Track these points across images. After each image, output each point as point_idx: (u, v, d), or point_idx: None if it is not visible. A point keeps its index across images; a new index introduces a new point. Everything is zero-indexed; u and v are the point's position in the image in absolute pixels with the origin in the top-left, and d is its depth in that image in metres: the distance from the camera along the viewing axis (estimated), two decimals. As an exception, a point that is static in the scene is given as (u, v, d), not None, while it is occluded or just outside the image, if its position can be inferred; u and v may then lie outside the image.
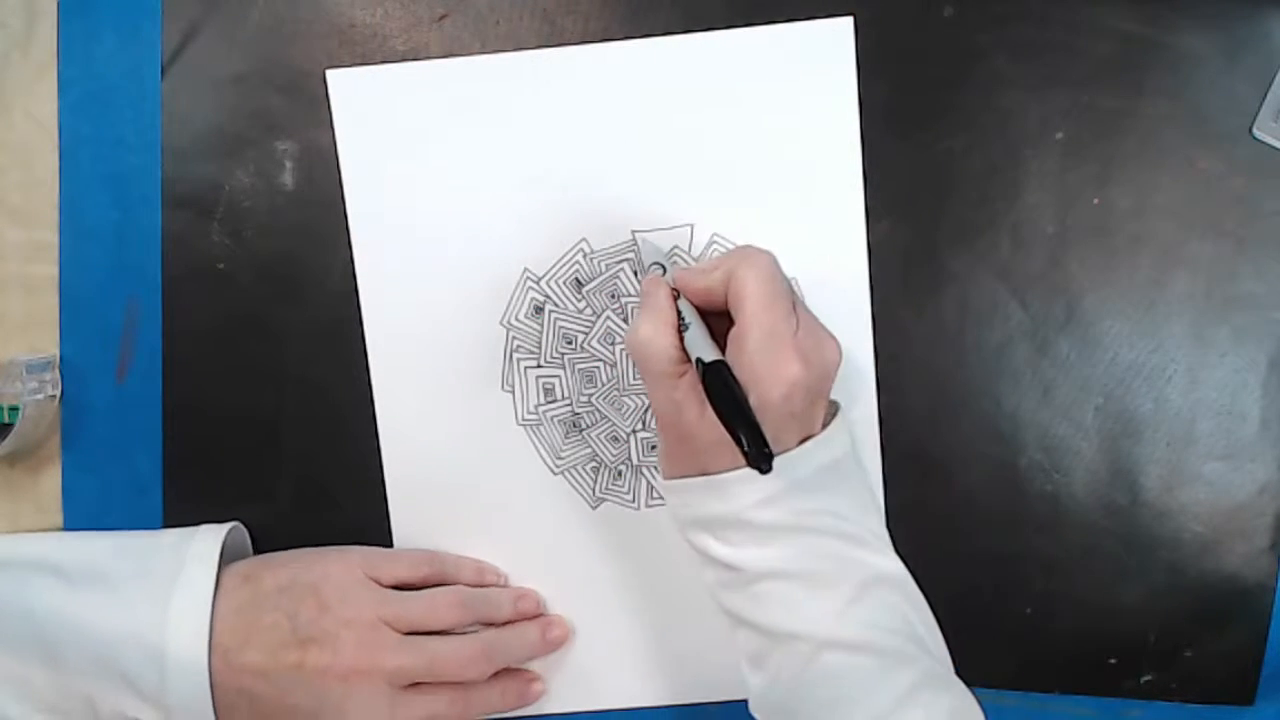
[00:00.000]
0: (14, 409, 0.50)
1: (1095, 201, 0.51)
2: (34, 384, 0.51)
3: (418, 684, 0.48)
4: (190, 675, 0.44)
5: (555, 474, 0.53)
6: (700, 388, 0.41)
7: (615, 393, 0.52)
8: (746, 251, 0.44)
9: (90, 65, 0.51)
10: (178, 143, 0.51)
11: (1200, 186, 0.51)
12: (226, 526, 0.49)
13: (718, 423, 0.40)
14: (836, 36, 0.50)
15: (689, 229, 0.51)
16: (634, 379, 0.52)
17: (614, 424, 0.52)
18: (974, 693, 0.43)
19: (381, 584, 0.49)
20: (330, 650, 0.46)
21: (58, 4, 0.51)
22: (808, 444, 0.43)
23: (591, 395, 0.52)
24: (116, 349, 0.52)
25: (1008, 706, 0.54)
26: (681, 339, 0.44)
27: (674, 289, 0.46)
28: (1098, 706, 0.54)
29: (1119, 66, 0.51)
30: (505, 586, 0.53)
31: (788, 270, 0.46)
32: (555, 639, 0.52)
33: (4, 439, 0.50)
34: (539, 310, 0.52)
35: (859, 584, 0.42)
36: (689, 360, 0.43)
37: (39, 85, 0.51)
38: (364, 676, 0.46)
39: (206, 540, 0.48)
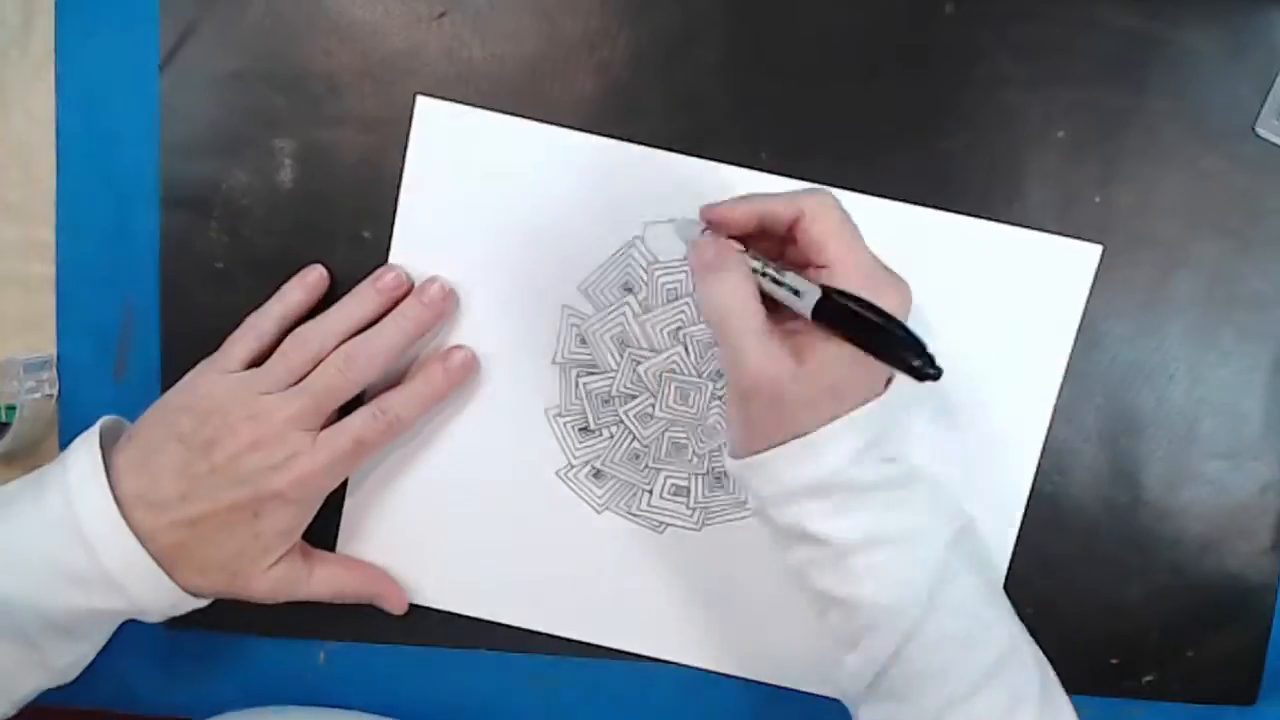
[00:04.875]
0: (11, 408, 0.50)
1: (1097, 200, 0.51)
2: (31, 383, 0.51)
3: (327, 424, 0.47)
4: (115, 537, 0.44)
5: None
6: (793, 339, 0.40)
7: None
8: (811, 189, 0.42)
9: (87, 63, 0.51)
10: (175, 140, 0.51)
11: (1203, 185, 0.51)
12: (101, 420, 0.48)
13: (813, 376, 0.39)
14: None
15: None
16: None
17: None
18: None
19: (235, 370, 0.48)
20: (231, 438, 0.45)
21: (54, 1, 0.51)
22: (892, 384, 0.42)
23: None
24: (114, 348, 0.52)
25: (1009, 707, 0.53)
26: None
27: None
28: (1099, 707, 0.53)
29: (1121, 64, 0.50)
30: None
31: None
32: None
33: (1, 438, 0.50)
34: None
35: (947, 543, 0.42)
36: (773, 311, 0.41)
37: (36, 83, 0.51)
38: (272, 438, 0.46)
39: (82, 436, 0.47)
